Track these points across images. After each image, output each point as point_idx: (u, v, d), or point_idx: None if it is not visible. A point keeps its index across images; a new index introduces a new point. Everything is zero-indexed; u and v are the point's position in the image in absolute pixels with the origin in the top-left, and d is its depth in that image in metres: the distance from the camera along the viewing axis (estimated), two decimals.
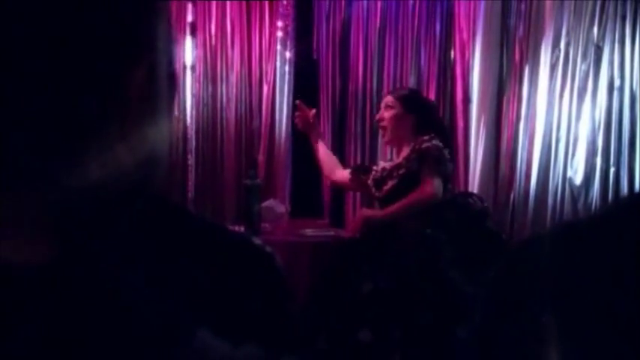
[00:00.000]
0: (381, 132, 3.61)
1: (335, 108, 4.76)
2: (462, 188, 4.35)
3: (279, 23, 4.68)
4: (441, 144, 3.37)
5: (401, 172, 3.38)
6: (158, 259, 0.65)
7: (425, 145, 3.35)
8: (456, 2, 4.40)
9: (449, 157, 3.38)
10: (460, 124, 4.39)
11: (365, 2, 4.66)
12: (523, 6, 4.10)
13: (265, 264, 0.75)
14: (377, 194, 3.50)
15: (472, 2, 4.31)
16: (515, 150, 4.13)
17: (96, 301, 0.59)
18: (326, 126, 4.76)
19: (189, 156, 4.56)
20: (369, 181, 3.58)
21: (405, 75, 4.62)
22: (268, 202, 3.74)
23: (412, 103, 3.55)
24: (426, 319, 2.96)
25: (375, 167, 3.66)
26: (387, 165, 3.55)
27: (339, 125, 4.75)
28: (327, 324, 3.08)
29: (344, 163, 4.73)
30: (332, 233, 3.74)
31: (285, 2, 4.69)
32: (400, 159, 3.45)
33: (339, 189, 4.71)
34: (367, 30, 4.68)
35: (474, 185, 4.28)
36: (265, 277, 0.74)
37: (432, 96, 4.59)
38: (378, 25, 4.66)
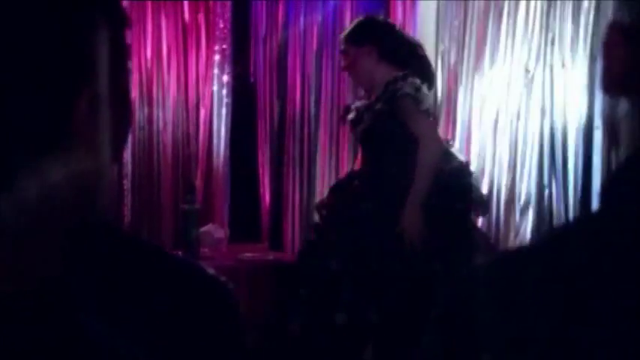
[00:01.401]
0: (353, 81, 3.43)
1: (273, 131, 4.75)
2: None
3: (216, 47, 4.66)
4: (417, 80, 3.09)
5: (376, 107, 3.14)
6: (109, 288, 0.64)
7: (399, 85, 3.05)
8: None
9: (427, 92, 3.14)
10: None
11: (301, 25, 4.67)
12: (456, 31, 4.16)
13: (220, 296, 0.73)
14: (354, 135, 3.36)
15: (407, 26, 4.35)
16: None
17: (43, 328, 0.57)
18: (264, 150, 4.74)
19: (124, 181, 4.49)
20: (348, 123, 3.38)
21: (343, 98, 4.63)
22: (207, 227, 3.70)
23: (362, 35, 3.30)
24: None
25: (352, 106, 3.45)
26: (361, 104, 3.32)
27: (278, 149, 4.74)
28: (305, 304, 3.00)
29: (282, 187, 4.73)
30: (271, 257, 3.72)
31: (221, 26, 4.67)
32: (373, 97, 3.21)
33: (278, 212, 4.69)
34: (304, 53, 4.69)
35: None
36: (220, 311, 0.72)
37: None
38: (315, 47, 4.67)
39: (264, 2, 4.73)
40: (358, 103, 3.34)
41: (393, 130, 3.06)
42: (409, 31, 4.31)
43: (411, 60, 3.25)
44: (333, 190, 3.33)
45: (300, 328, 2.95)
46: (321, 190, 4.64)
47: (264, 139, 4.74)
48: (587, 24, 3.75)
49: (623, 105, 0.72)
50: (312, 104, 4.67)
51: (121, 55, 0.68)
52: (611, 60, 0.71)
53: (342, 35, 3.34)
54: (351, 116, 3.27)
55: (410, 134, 3.01)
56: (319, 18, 4.67)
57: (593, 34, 3.73)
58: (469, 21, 4.11)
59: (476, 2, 4.04)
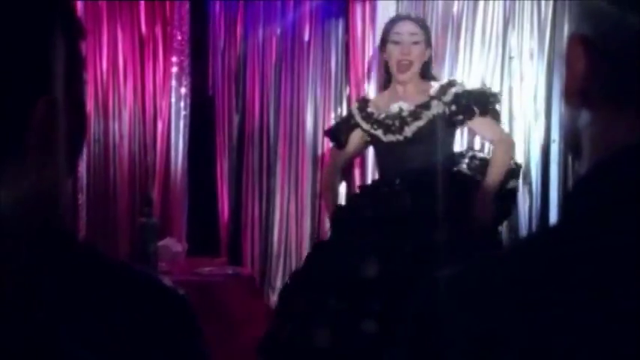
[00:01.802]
0: (400, 70, 3.26)
1: (232, 144, 4.71)
2: None
3: (174, 59, 4.62)
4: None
5: (433, 111, 3.19)
6: (67, 298, 0.62)
7: (460, 89, 3.22)
8: (351, 39, 4.45)
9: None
10: (358, 160, 4.41)
11: (260, 38, 4.65)
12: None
13: (176, 307, 0.73)
14: (393, 138, 3.25)
15: (366, 39, 4.37)
16: None
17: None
18: (223, 163, 4.70)
19: (79, 195, 4.41)
20: (370, 128, 3.32)
21: (302, 111, 4.62)
22: (165, 241, 3.64)
23: (431, 37, 3.40)
24: None
25: (365, 111, 3.38)
26: (404, 106, 3.26)
27: (237, 162, 4.70)
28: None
29: (241, 201, 4.69)
30: (230, 271, 3.68)
31: (179, 37, 4.63)
32: (425, 98, 3.24)
33: (237, 226, 4.66)
34: (263, 66, 4.67)
35: None
36: (177, 321, 0.72)
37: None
38: (274, 61, 4.66)
39: (222, 15, 4.70)
40: (395, 105, 3.28)
41: (448, 130, 3.27)
42: (369, 36, 4.33)
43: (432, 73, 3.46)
44: (361, 195, 3.39)
45: (329, 338, 2.90)
46: (281, 203, 4.61)
47: (223, 152, 4.70)
48: (544, 38, 3.80)
49: (585, 116, 0.71)
50: (272, 117, 4.65)
51: (76, 65, 0.68)
52: (573, 71, 0.71)
53: (417, 21, 3.32)
54: (407, 110, 3.24)
55: (451, 135, 3.31)
56: (278, 31, 4.66)
57: (551, 48, 3.77)
58: None
59: (435, 18, 4.07)
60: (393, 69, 3.27)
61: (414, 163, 3.17)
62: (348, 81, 4.54)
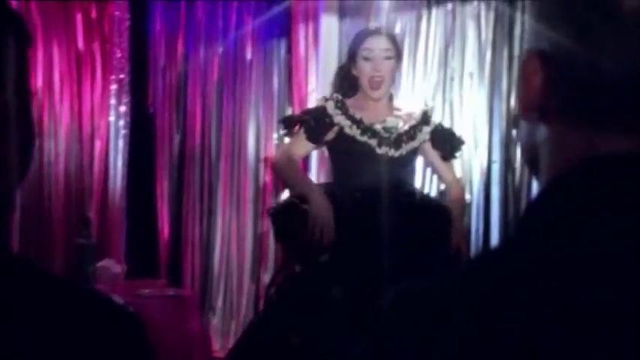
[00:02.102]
0: (372, 86, 3.16)
1: (172, 163, 4.64)
2: None
3: (113, 76, 4.53)
4: None
5: (423, 137, 3.22)
6: (17, 318, 0.61)
7: (437, 123, 3.29)
8: (294, 58, 4.45)
9: None
10: None
11: (202, 56, 4.61)
12: None
13: (128, 327, 0.71)
14: (387, 151, 3.16)
15: (309, 58, 4.37)
16: None
17: None
18: (163, 182, 4.62)
19: (12, 215, 4.27)
20: (360, 134, 3.16)
21: (244, 130, 4.59)
22: (103, 262, 3.55)
23: (401, 51, 3.38)
24: None
25: (348, 113, 3.20)
26: (401, 123, 3.21)
27: (177, 181, 4.63)
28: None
29: (181, 221, 4.61)
30: (171, 293, 3.61)
31: (119, 55, 4.54)
32: (409, 120, 3.22)
33: (177, 246, 4.58)
34: (204, 84, 4.62)
35: None
36: (129, 341, 0.71)
37: (271, 149, 4.58)
38: (215, 79, 4.62)
39: (163, 32, 4.64)
40: (390, 120, 3.22)
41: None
42: (312, 55, 4.32)
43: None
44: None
45: None
46: (222, 223, 4.56)
47: (163, 171, 4.62)
48: (485, 59, 3.85)
49: (542, 131, 0.71)
50: (213, 136, 4.60)
51: (24, 72, 0.69)
52: (530, 86, 0.71)
53: (387, 35, 3.24)
54: (403, 129, 3.21)
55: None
56: (219, 49, 4.62)
57: (492, 70, 3.83)
58: None
59: None
60: (366, 86, 3.18)
61: (391, 180, 3.09)
62: (290, 100, 4.53)
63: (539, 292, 0.62)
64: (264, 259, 4.63)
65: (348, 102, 3.26)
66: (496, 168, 3.87)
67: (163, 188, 4.61)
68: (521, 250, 0.67)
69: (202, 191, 4.61)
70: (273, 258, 4.61)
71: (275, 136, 4.58)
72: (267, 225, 4.57)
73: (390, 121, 3.18)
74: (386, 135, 3.16)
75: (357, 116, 3.18)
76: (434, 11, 3.91)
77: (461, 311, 0.65)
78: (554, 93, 0.69)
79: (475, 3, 3.80)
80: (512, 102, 3.75)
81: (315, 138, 3.24)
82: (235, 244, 4.61)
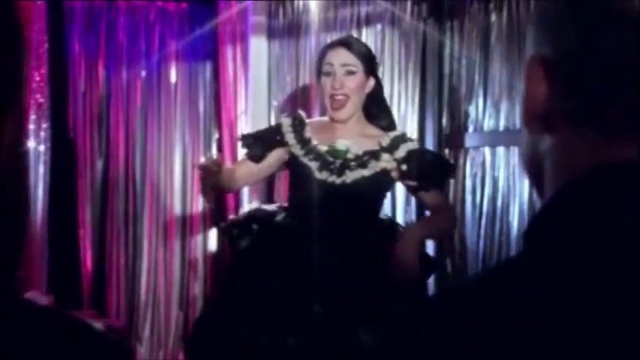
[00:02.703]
0: (333, 106, 2.87)
1: (95, 190, 4.48)
2: None
3: (32, 100, 4.36)
4: None
5: (381, 165, 2.84)
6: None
7: (413, 142, 2.95)
8: (222, 81, 4.38)
9: None
10: (232, 202, 4.32)
11: (124, 80, 4.49)
12: (289, 87, 4.17)
13: (115, 354, 0.69)
14: (328, 177, 2.85)
15: (238, 81, 4.31)
16: None
17: None
18: (85, 209, 4.46)
19: None
20: (303, 155, 2.89)
21: (169, 155, 4.49)
22: (29, 294, 3.40)
23: (373, 63, 2.96)
24: None
25: (300, 134, 2.94)
26: (352, 147, 2.87)
27: (100, 208, 4.47)
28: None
29: (105, 250, 4.46)
30: (101, 324, 3.48)
31: (37, 78, 4.38)
32: (371, 144, 2.87)
33: (101, 276, 4.42)
34: (127, 108, 4.50)
35: None
36: None
37: (198, 173, 4.48)
38: (139, 103, 4.51)
39: (82, 55, 4.51)
40: (342, 141, 2.91)
41: (386, 188, 3.02)
42: (241, 77, 4.26)
43: (384, 110, 3.10)
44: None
45: None
46: (149, 250, 4.44)
47: (85, 197, 4.46)
48: (416, 78, 3.87)
49: (546, 141, 0.70)
50: (137, 161, 4.48)
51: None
52: (533, 95, 0.69)
53: (351, 48, 2.89)
54: (353, 154, 2.88)
55: (384, 195, 3.05)
56: (142, 72, 4.52)
57: (422, 89, 3.85)
58: (301, 77, 4.13)
59: (307, 59, 4.08)
60: (327, 105, 2.91)
61: (339, 210, 2.82)
62: (218, 123, 4.46)
63: (549, 306, 0.60)
64: (192, 286, 4.52)
65: (313, 122, 3.06)
66: None
67: (85, 215, 4.45)
68: (531, 263, 0.65)
69: (127, 218, 4.48)
70: (202, 286, 4.51)
71: (202, 159, 4.49)
72: (195, 252, 4.48)
73: (340, 144, 2.87)
74: (330, 159, 2.86)
75: (307, 136, 2.93)
76: (364, 31, 3.92)
77: (470, 328, 0.62)
78: (559, 101, 0.67)
79: (404, 24, 3.83)
80: (444, 122, 3.78)
81: (253, 156, 3.04)
82: (162, 273, 4.48)
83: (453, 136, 3.73)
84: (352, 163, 2.85)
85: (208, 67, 4.54)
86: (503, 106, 3.55)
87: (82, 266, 4.44)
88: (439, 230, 3.01)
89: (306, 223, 2.81)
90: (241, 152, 4.22)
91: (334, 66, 2.86)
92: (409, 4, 3.78)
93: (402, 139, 2.94)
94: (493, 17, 3.58)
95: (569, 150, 0.67)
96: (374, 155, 2.87)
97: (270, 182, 4.12)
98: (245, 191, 4.23)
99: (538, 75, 0.68)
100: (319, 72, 2.95)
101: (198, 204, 4.49)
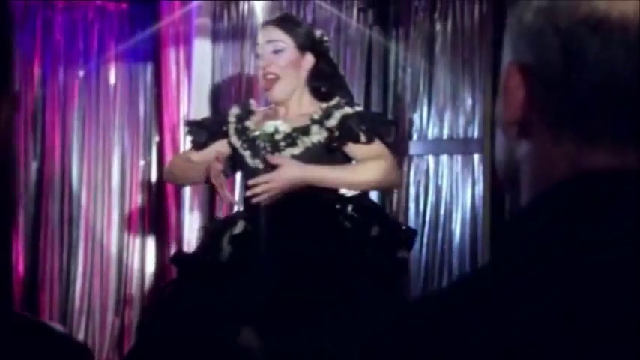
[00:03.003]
0: (265, 86, 2.68)
1: (29, 193, 4.36)
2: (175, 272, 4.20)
3: None
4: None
5: (311, 139, 2.61)
6: None
7: (353, 107, 2.66)
8: (164, 83, 4.32)
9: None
10: (172, 209, 4.25)
11: (61, 81, 4.38)
12: (233, 90, 4.14)
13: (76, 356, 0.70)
14: (260, 164, 2.64)
15: (181, 83, 4.26)
16: None
17: None
18: (19, 213, 4.33)
19: None
20: (240, 145, 2.69)
21: (107, 158, 4.40)
22: None
23: (308, 38, 2.72)
24: None
25: (242, 123, 2.73)
26: (281, 127, 2.65)
27: (34, 212, 4.35)
28: None
29: (39, 255, 4.34)
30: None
31: None
32: (304, 120, 2.64)
33: (33, 282, 4.30)
34: (64, 109, 4.39)
35: None
36: None
37: (138, 177, 4.41)
38: (76, 104, 4.40)
39: (17, 54, 4.38)
40: (270, 123, 2.69)
41: (330, 162, 2.68)
42: (184, 80, 4.20)
43: (338, 88, 2.82)
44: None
45: None
46: (85, 256, 4.34)
47: (19, 201, 4.33)
48: (359, 91, 3.87)
49: (523, 147, 0.69)
50: (74, 164, 4.37)
51: None
52: (511, 100, 0.69)
53: (279, 24, 2.69)
54: (282, 133, 2.64)
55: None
56: (81, 73, 4.42)
57: (366, 100, 3.86)
58: (245, 80, 4.10)
59: (252, 61, 4.05)
60: (261, 87, 2.75)
61: (283, 199, 2.57)
62: (160, 126, 4.38)
63: (520, 316, 0.59)
64: (129, 292, 4.43)
65: (262, 110, 2.85)
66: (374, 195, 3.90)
67: (19, 219, 4.33)
68: (503, 271, 0.64)
69: (62, 222, 4.36)
70: (139, 292, 4.43)
71: (141, 163, 4.42)
72: (133, 257, 4.40)
73: (267, 126, 2.65)
74: (260, 144, 2.66)
75: (247, 124, 2.75)
76: None
77: (450, 337, 0.61)
78: (537, 107, 0.67)
79: (350, 30, 3.84)
80: None
81: (197, 144, 2.83)
82: (98, 278, 4.39)
83: (397, 144, 3.74)
84: (281, 144, 2.64)
85: (149, 68, 4.47)
86: (448, 115, 3.58)
87: (13, 270, 4.31)
88: (350, 177, 2.67)
89: (255, 220, 2.63)
90: None
91: (261, 44, 2.70)
92: (355, 11, 3.79)
93: (338, 106, 2.69)
94: (438, 26, 3.62)
95: (548, 156, 0.67)
96: (302, 131, 2.65)
97: None
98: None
99: (516, 81, 0.68)
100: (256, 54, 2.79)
101: (137, 208, 4.41)
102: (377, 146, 2.67)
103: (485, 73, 3.37)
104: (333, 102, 2.70)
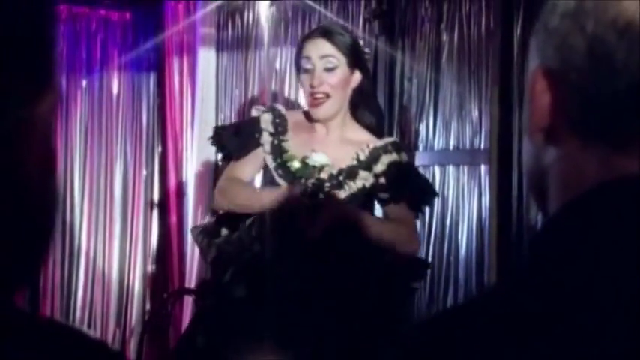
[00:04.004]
0: (312, 103, 2.48)
1: None
2: (177, 280, 4.19)
3: None
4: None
5: (358, 184, 2.44)
6: None
7: (399, 154, 2.47)
8: (168, 93, 4.31)
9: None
10: (173, 219, 4.23)
11: (64, 89, 4.37)
12: (237, 100, 4.12)
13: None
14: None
15: (184, 93, 4.25)
16: None
17: None
18: None
19: None
20: (275, 168, 2.49)
21: (110, 168, 4.38)
22: None
23: (358, 54, 2.54)
24: None
25: (278, 138, 2.53)
26: (325, 163, 2.45)
27: None
28: None
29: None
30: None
31: None
32: (347, 156, 2.46)
33: (34, 292, 4.27)
34: (67, 119, 4.38)
35: (192, 277, 4.13)
36: None
37: (140, 187, 4.39)
38: (79, 114, 4.39)
39: None
40: (316, 157, 2.48)
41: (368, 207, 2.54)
42: (187, 90, 4.19)
43: (376, 108, 2.68)
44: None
45: None
46: (86, 266, 4.32)
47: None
48: None
49: (551, 153, 0.68)
50: (77, 173, 4.38)
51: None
52: (538, 106, 0.68)
53: (331, 38, 2.49)
54: (327, 174, 2.46)
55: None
56: (84, 83, 4.41)
57: None
58: (249, 90, 4.09)
59: (256, 70, 4.04)
60: (307, 103, 2.53)
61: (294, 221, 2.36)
62: (163, 135, 4.37)
63: (552, 327, 0.58)
64: (131, 302, 4.41)
65: (294, 117, 2.63)
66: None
67: None
68: (539, 276, 0.62)
69: (64, 232, 4.34)
70: (141, 303, 4.41)
71: (144, 173, 4.40)
72: (135, 268, 4.38)
73: (315, 159, 2.47)
74: (300, 178, 2.47)
75: (284, 144, 2.54)
76: None
77: (473, 347, 0.61)
78: (565, 112, 0.65)
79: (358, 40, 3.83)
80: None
81: (233, 155, 2.60)
82: (100, 288, 4.36)
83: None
84: (327, 184, 2.46)
85: (152, 78, 4.46)
86: (454, 126, 3.56)
87: None
88: (385, 234, 2.47)
89: (267, 241, 2.43)
90: (186, 164, 4.17)
91: (312, 59, 2.49)
92: (361, 21, 3.78)
93: (384, 149, 2.53)
94: (444, 37, 3.60)
95: (576, 162, 0.66)
96: (350, 174, 2.48)
97: None
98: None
99: (542, 86, 0.67)
100: (298, 67, 2.57)
101: (139, 218, 4.39)
102: (410, 218, 2.58)
103: (491, 83, 3.34)
104: (381, 143, 2.55)
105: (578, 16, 0.65)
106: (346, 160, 2.51)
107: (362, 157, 2.51)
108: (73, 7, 4.38)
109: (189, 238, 4.09)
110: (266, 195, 2.46)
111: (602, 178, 0.63)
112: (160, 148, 4.42)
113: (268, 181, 2.60)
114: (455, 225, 3.51)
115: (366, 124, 2.61)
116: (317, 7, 3.87)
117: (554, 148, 0.68)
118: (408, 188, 2.53)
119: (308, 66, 2.50)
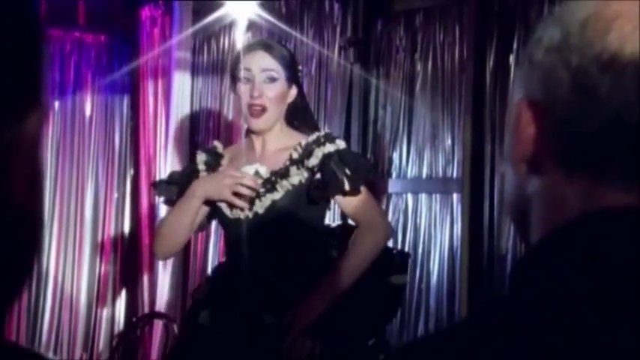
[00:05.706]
0: (252, 114, 2.44)
1: None
2: (147, 304, 4.14)
3: None
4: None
5: (293, 181, 2.40)
6: None
7: (333, 143, 2.40)
8: (142, 116, 4.29)
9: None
10: (145, 240, 4.19)
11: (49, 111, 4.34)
12: (211, 124, 4.13)
13: None
14: (239, 214, 2.41)
15: (158, 116, 4.24)
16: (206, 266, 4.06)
17: None
18: None
19: None
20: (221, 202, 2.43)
21: (81, 190, 4.34)
22: None
23: (295, 70, 2.54)
24: None
25: (213, 168, 2.52)
26: (261, 170, 2.45)
27: None
28: None
29: None
30: None
31: None
32: (282, 159, 2.44)
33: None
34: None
35: (162, 301, 4.08)
36: None
37: (111, 209, 4.35)
38: (50, 135, 4.35)
39: None
40: (248, 168, 2.47)
41: (312, 204, 2.47)
42: (162, 112, 4.18)
43: (313, 121, 2.68)
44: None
45: None
46: (54, 288, 4.26)
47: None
48: (340, 128, 3.88)
49: (534, 183, 0.69)
50: (47, 195, 4.31)
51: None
52: (522, 137, 0.68)
53: (271, 51, 2.48)
54: (262, 178, 2.44)
55: (319, 209, 2.49)
56: (56, 104, 4.38)
57: (346, 137, 3.87)
58: (224, 114, 4.10)
59: (232, 95, 4.04)
60: (245, 114, 2.49)
61: (267, 248, 2.41)
62: (134, 159, 4.35)
63: (535, 355, 0.58)
64: (99, 327, 4.35)
65: (232, 148, 2.66)
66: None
67: None
68: (514, 311, 0.63)
69: None
70: (109, 327, 4.35)
71: (116, 195, 4.37)
72: (105, 291, 4.33)
73: (247, 170, 2.45)
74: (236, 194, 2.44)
75: (220, 165, 2.55)
76: None
77: None
78: (549, 144, 0.66)
79: (331, 68, 3.86)
80: None
81: (170, 202, 2.58)
82: (67, 312, 4.30)
83: (376, 182, 3.75)
84: (261, 190, 2.42)
85: (125, 101, 4.44)
86: (427, 154, 3.59)
87: None
88: (356, 265, 2.41)
89: (235, 272, 2.45)
90: None
91: (252, 71, 2.46)
92: (337, 48, 3.81)
93: (317, 142, 2.45)
94: (419, 66, 3.65)
95: (559, 193, 0.66)
96: (282, 174, 2.44)
97: None
98: None
99: (527, 118, 0.67)
100: (234, 77, 2.53)
101: (110, 240, 4.35)
102: (367, 204, 2.48)
103: (464, 113, 3.39)
104: (313, 137, 2.48)
105: (563, 50, 0.66)
106: (278, 165, 2.48)
107: (295, 156, 2.46)
108: (47, 28, 4.36)
109: (159, 262, 4.06)
110: (196, 185, 2.44)
111: (586, 209, 0.64)
112: (132, 171, 4.40)
113: (216, 215, 2.56)
114: (427, 253, 3.53)
115: (301, 129, 2.59)
116: (293, 32, 3.89)
117: (537, 178, 0.68)
118: (350, 169, 2.42)
119: (245, 76, 2.47)
